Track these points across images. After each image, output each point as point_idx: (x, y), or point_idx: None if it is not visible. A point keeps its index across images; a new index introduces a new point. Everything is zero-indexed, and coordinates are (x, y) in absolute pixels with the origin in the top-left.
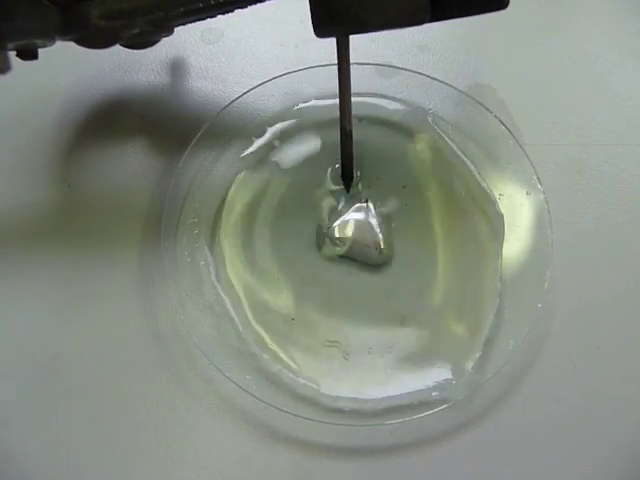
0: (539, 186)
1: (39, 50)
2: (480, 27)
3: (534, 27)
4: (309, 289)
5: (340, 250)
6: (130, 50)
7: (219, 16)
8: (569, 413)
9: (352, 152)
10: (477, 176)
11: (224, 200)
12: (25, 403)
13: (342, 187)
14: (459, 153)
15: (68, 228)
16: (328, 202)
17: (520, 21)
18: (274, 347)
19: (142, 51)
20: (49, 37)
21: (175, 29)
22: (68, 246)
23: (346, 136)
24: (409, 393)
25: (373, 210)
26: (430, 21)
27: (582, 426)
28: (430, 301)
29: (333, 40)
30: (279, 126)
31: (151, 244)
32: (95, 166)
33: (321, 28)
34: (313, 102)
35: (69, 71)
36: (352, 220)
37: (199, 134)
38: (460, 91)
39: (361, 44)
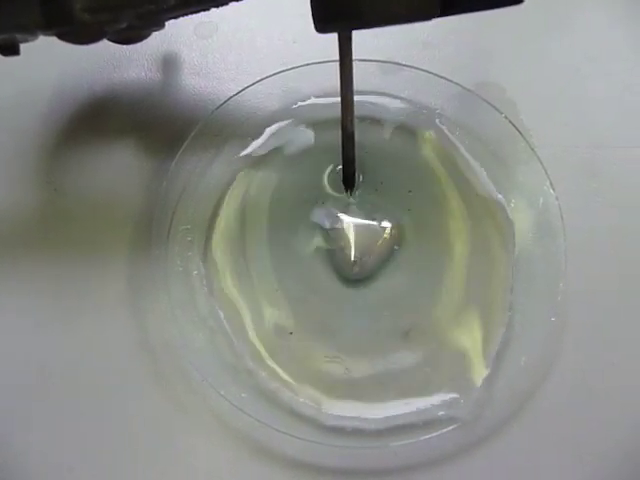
0: (552, 191)
1: (21, 45)
2: (488, 22)
3: (545, 22)
4: (308, 301)
5: (342, 260)
6: (119, 45)
7: (213, 9)
8: (583, 433)
9: (354, 155)
10: (486, 180)
11: (219, 205)
12: (8, 419)
13: (343, 192)
14: (467, 156)
15: (52, 234)
16: (329, 208)
17: (530, 16)
18: (271, 363)
19: (132, 46)
20: (30, 32)
21: (166, 23)
22: (52, 253)
23: (348, 138)
24: (414, 412)
25: (376, 217)
26: (440, 16)
27: (597, 446)
28: (435, 314)
29: (334, 35)
30: (277, 126)
31: (141, 252)
32: (82, 168)
33: (323, 23)
34: (312, 101)
35: (54, 67)
36: (354, 228)
37: (192, 134)
38: (468, 90)
39: (362, 39)
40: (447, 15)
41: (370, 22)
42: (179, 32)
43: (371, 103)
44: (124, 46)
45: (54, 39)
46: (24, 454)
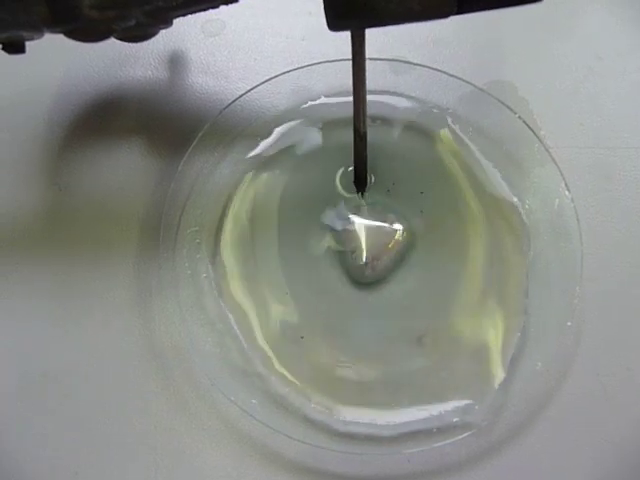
0: (567, 193)
1: (27, 43)
2: (500, 19)
3: (559, 21)
4: (319, 305)
5: (353, 262)
6: (125, 43)
7: (222, 7)
8: (599, 438)
9: (366, 156)
10: (500, 181)
11: (227, 207)
12: (11, 425)
13: (355, 193)
14: (480, 156)
15: (57, 235)
16: (340, 210)
17: (542, 14)
18: (282, 367)
19: (138, 44)
20: (36, 29)
21: (174, 20)
22: (58, 255)
23: (360, 138)
24: (428, 418)
25: (388, 218)
26: (457, 13)
27: (614, 451)
28: (449, 318)
29: (343, 33)
30: (286, 126)
31: (148, 254)
32: (88, 168)
33: (336, 21)
34: (323, 100)
35: (60, 66)
36: (365, 230)
37: (200, 134)
38: (480, 89)
39: (371, 37)
40: (464, 12)
41: (385, 20)
42: (186, 30)
43: (382, 103)
44: (131, 44)
45: (60, 37)
46: (29, 459)
